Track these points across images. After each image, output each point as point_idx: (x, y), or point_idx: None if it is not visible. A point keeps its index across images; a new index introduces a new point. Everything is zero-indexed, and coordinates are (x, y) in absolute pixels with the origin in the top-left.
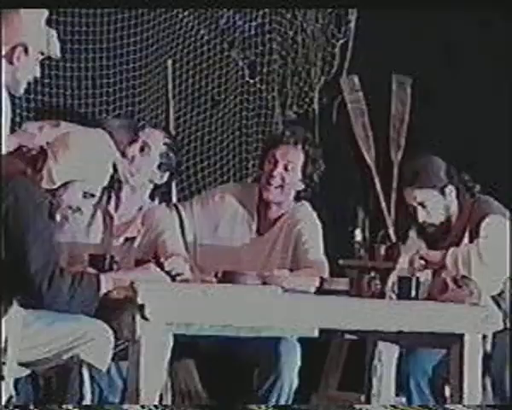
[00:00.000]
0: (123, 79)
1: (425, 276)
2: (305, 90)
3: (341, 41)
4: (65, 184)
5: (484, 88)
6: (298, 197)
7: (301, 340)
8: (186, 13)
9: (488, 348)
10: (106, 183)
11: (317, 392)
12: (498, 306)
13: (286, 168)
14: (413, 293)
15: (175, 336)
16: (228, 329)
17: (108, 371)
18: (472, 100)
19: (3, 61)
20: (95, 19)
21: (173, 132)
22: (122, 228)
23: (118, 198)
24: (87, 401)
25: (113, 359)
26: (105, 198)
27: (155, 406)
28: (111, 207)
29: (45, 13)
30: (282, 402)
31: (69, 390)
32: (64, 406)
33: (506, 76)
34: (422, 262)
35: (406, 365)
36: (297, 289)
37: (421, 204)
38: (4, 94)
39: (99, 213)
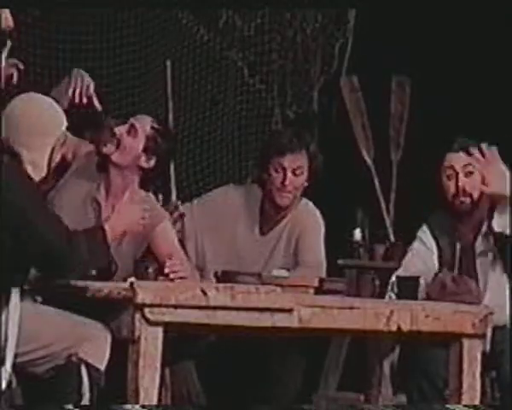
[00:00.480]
0: (122, 80)
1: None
2: (305, 90)
3: (341, 41)
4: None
5: (484, 88)
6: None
7: (301, 340)
8: (185, 13)
9: (487, 347)
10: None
11: (316, 392)
12: None
13: (295, 174)
14: (412, 293)
15: (175, 336)
16: (227, 329)
17: None
18: (472, 100)
19: None
20: (94, 19)
21: (173, 132)
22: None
23: (107, 186)
24: (86, 400)
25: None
26: (94, 186)
27: (156, 405)
28: (100, 196)
29: None
30: (282, 403)
31: (68, 390)
32: (64, 406)
33: (508, 75)
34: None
35: (406, 364)
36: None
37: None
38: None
39: (88, 202)
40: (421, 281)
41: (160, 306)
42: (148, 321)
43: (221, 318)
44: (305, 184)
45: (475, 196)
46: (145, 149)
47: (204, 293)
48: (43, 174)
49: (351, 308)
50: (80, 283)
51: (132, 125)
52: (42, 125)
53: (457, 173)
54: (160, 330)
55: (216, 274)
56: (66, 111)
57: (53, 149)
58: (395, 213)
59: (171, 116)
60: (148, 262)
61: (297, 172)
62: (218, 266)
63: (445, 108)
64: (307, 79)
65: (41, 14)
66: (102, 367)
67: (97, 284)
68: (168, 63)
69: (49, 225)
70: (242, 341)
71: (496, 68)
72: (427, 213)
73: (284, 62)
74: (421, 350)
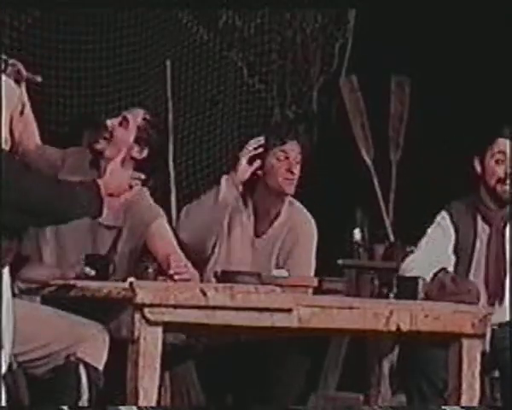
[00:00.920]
0: (122, 79)
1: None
2: (304, 90)
3: (340, 41)
4: None
5: (484, 88)
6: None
7: (300, 340)
8: (185, 13)
9: (487, 347)
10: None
11: (316, 392)
12: None
13: (296, 161)
14: (412, 293)
15: (174, 336)
16: (227, 329)
17: None
18: (472, 100)
19: None
20: (93, 19)
21: (172, 132)
22: (107, 213)
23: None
24: (84, 400)
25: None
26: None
27: (153, 407)
28: None
29: None
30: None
31: (67, 390)
32: (62, 406)
33: (508, 75)
34: None
35: (406, 364)
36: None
37: None
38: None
39: None
40: (420, 281)
41: (159, 306)
42: (147, 321)
43: (220, 318)
44: None
45: None
46: (137, 140)
47: (203, 293)
48: (8, 146)
49: (350, 308)
50: (80, 283)
51: (124, 117)
52: None
53: (506, 159)
54: (159, 330)
55: (215, 274)
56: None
57: (12, 119)
58: (394, 214)
59: (170, 116)
60: (148, 262)
61: (298, 160)
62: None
63: (444, 108)
64: (307, 79)
65: (41, 14)
66: (101, 367)
67: (97, 284)
68: (168, 63)
69: (31, 180)
70: (242, 341)
71: (496, 68)
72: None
73: (284, 62)
74: (420, 350)
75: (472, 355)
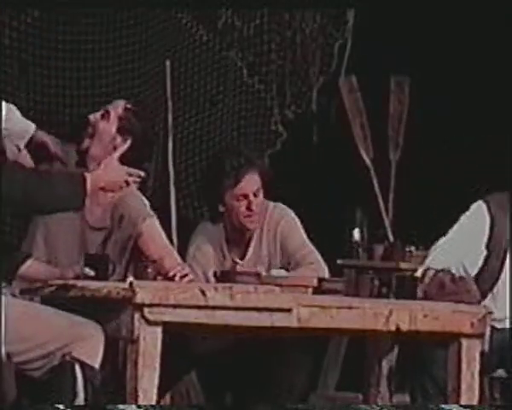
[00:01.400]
0: (122, 79)
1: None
2: (304, 90)
3: (340, 41)
4: None
5: (483, 88)
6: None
7: (301, 340)
8: (185, 13)
9: (486, 347)
10: None
11: (315, 392)
12: None
13: (255, 195)
14: (411, 292)
15: (174, 336)
16: (226, 329)
17: None
18: (472, 100)
19: None
20: (93, 19)
21: (172, 132)
22: (95, 215)
23: None
24: (80, 399)
25: None
26: None
27: (153, 406)
28: None
29: None
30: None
31: (63, 389)
32: (59, 406)
33: (508, 75)
34: None
35: (410, 363)
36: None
37: None
38: None
39: None
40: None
41: (159, 305)
42: (147, 321)
43: (220, 318)
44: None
45: None
46: (119, 130)
47: (203, 293)
48: None
49: (349, 308)
50: (80, 283)
51: (106, 110)
52: None
53: None
54: (159, 330)
55: (215, 274)
56: None
57: None
58: (394, 214)
59: (170, 116)
60: (148, 262)
61: (257, 192)
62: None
63: (444, 108)
64: (306, 79)
65: (40, 14)
66: (97, 365)
67: (96, 284)
68: (167, 63)
69: (9, 170)
70: (242, 340)
71: (496, 68)
72: (427, 213)
73: (283, 63)
74: (425, 349)
75: (471, 355)
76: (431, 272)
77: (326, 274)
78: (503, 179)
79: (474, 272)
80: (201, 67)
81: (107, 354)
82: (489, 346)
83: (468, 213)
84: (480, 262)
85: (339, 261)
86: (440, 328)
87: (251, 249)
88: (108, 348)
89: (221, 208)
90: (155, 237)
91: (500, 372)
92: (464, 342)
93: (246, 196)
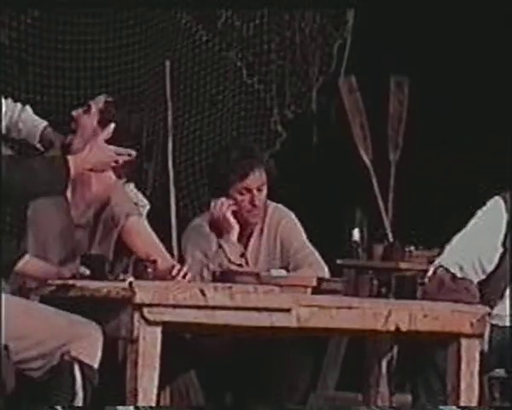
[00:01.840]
0: (121, 80)
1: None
2: (303, 90)
3: (339, 41)
4: None
5: (483, 88)
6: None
7: (300, 340)
8: (185, 13)
9: (485, 347)
10: None
11: (315, 392)
12: None
13: (259, 190)
14: (411, 292)
15: (173, 335)
16: (226, 329)
17: None
18: (471, 100)
19: None
20: (93, 19)
21: (171, 132)
22: (80, 210)
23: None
24: (79, 399)
25: None
26: None
27: (152, 407)
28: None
29: None
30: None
31: (62, 389)
32: (58, 406)
33: (507, 75)
34: None
35: (407, 364)
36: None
37: None
38: None
39: (57, 201)
40: (419, 279)
41: (158, 305)
42: (146, 321)
43: (220, 317)
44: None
45: None
46: (99, 122)
47: (203, 293)
48: None
49: (349, 308)
50: (79, 282)
51: (88, 105)
52: None
53: None
54: (158, 330)
55: (214, 274)
56: None
57: None
58: (393, 214)
59: (170, 116)
60: (147, 262)
61: (261, 187)
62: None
63: (443, 108)
64: (306, 79)
65: (40, 14)
66: (96, 365)
67: (96, 284)
68: (167, 63)
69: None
70: (242, 340)
71: (495, 68)
72: (426, 213)
73: (283, 63)
74: (422, 349)
75: (471, 355)
76: (440, 270)
77: (326, 275)
78: (503, 179)
79: (490, 268)
80: (201, 67)
81: (107, 354)
82: (488, 345)
83: (484, 208)
84: (496, 259)
85: (338, 261)
86: (440, 328)
87: (250, 248)
88: (108, 348)
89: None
90: (141, 234)
91: (500, 372)
92: (464, 341)
93: (250, 191)
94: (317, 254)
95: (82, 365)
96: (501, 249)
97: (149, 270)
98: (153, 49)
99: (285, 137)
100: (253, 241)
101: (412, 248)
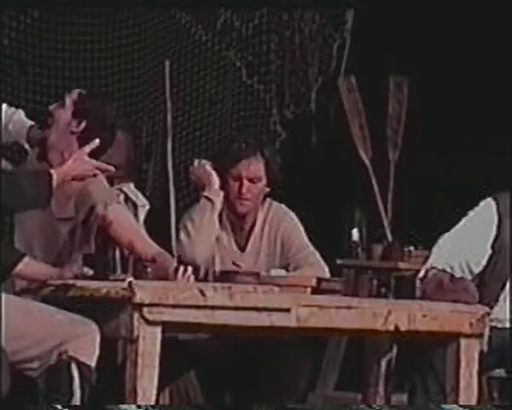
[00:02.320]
0: (121, 80)
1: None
2: (303, 90)
3: (338, 41)
4: None
5: (483, 88)
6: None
7: (299, 340)
8: (184, 13)
9: (485, 347)
10: None
11: (314, 392)
12: None
13: (252, 181)
14: (410, 292)
15: (173, 335)
16: (225, 329)
17: None
18: (471, 101)
19: None
20: (93, 19)
21: (171, 132)
22: (60, 204)
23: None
24: (77, 398)
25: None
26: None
27: (152, 406)
28: None
29: None
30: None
31: (59, 388)
32: (57, 406)
33: (507, 76)
34: None
35: (406, 364)
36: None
37: None
38: None
39: None
40: (418, 279)
41: (158, 305)
42: (146, 321)
43: (219, 317)
44: (266, 189)
45: None
46: (73, 114)
47: (202, 293)
48: None
49: (348, 308)
50: (79, 282)
51: (62, 99)
52: None
53: None
54: (158, 330)
55: (214, 274)
56: None
57: None
58: (393, 214)
59: (169, 116)
60: (147, 262)
61: (254, 179)
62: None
63: (443, 108)
64: (305, 79)
65: (40, 15)
66: (93, 363)
67: (96, 284)
68: (167, 63)
69: None
70: (241, 340)
71: (495, 68)
72: (425, 213)
73: (282, 63)
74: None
75: (470, 355)
76: (432, 272)
77: (327, 276)
78: (503, 179)
79: (477, 270)
80: (200, 67)
81: (106, 354)
82: (488, 346)
83: (476, 208)
84: (485, 261)
85: (338, 261)
86: (439, 328)
87: (249, 247)
88: (107, 348)
89: (225, 187)
90: (121, 222)
91: (499, 372)
92: (463, 341)
93: (240, 179)
94: (317, 254)
95: (79, 364)
96: (490, 251)
97: (149, 270)
98: (152, 49)
99: (284, 137)
100: (252, 240)
101: (411, 248)
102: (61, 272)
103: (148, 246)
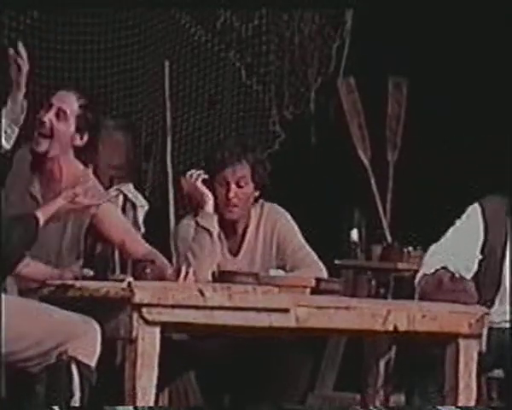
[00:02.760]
0: (120, 80)
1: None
2: (302, 90)
3: (338, 42)
4: None
5: (483, 89)
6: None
7: (298, 340)
8: (184, 14)
9: (484, 347)
10: None
11: (313, 392)
12: None
13: (239, 185)
14: (409, 292)
15: (172, 336)
16: (225, 329)
17: None
18: (470, 101)
19: None
20: (93, 19)
21: (170, 132)
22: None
23: (44, 181)
24: (76, 399)
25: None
26: (29, 185)
27: (151, 407)
28: (34, 190)
29: None
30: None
31: (59, 389)
32: (56, 408)
33: (507, 76)
34: None
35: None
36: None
37: None
38: None
39: (28, 198)
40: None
41: (157, 306)
42: (145, 321)
43: (218, 318)
44: (256, 193)
45: None
46: (77, 129)
47: (201, 293)
48: None
49: (347, 308)
50: (78, 283)
51: (59, 109)
52: None
53: None
54: (157, 330)
55: (213, 274)
56: None
57: None
58: (392, 214)
59: (168, 116)
60: (147, 262)
61: (241, 183)
62: None
63: (442, 108)
64: (304, 79)
65: (40, 15)
66: (93, 363)
67: (95, 284)
68: (166, 64)
69: None
70: (241, 340)
71: (495, 69)
72: (425, 214)
73: (281, 63)
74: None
75: (469, 355)
76: (431, 271)
77: (325, 276)
78: (502, 180)
79: (469, 276)
80: (200, 68)
81: (105, 354)
82: (486, 346)
83: (463, 216)
84: (475, 267)
85: (337, 262)
86: (438, 328)
87: (244, 248)
88: (106, 348)
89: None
90: (113, 221)
91: (498, 372)
92: (462, 342)
93: (227, 183)
94: (314, 254)
95: (79, 364)
96: (480, 256)
97: (148, 270)
98: (152, 50)
99: (284, 137)
100: (246, 244)
101: (410, 248)
102: (61, 273)
103: (139, 245)
